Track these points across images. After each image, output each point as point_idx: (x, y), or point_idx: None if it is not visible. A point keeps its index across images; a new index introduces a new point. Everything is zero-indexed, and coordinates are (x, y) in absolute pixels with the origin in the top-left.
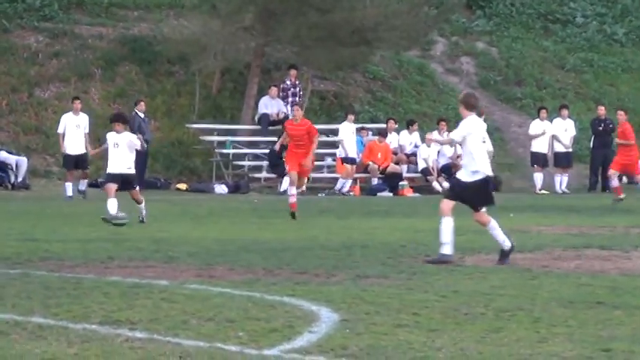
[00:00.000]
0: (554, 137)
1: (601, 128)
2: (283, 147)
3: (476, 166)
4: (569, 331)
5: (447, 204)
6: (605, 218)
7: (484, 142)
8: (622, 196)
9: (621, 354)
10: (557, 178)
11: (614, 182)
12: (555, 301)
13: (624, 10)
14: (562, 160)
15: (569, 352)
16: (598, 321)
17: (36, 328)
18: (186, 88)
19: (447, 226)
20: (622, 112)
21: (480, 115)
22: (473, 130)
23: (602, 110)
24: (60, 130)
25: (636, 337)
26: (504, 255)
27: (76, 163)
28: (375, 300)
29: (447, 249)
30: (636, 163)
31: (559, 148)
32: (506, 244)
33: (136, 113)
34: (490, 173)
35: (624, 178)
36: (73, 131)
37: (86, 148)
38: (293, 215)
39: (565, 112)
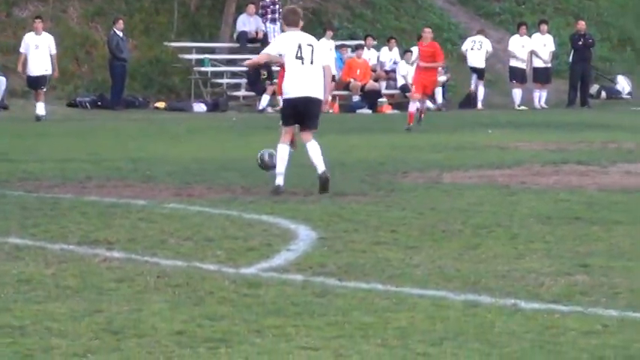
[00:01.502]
0: (532, 52)
1: (581, 43)
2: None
3: (285, 86)
4: (546, 247)
5: (286, 130)
6: (584, 133)
7: (473, 49)
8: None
9: (599, 269)
10: (536, 94)
11: (414, 107)
12: (533, 217)
13: None
14: (541, 76)
15: (546, 268)
16: (576, 237)
17: (13, 248)
18: (164, 6)
19: (281, 154)
20: (429, 30)
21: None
22: (282, 48)
23: (581, 25)
24: (22, 50)
25: (613, 253)
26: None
27: (37, 83)
28: (353, 217)
29: (279, 179)
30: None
31: (538, 63)
32: (320, 168)
33: (114, 32)
34: (303, 94)
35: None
36: (33, 52)
37: (53, 69)
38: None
39: (544, 27)
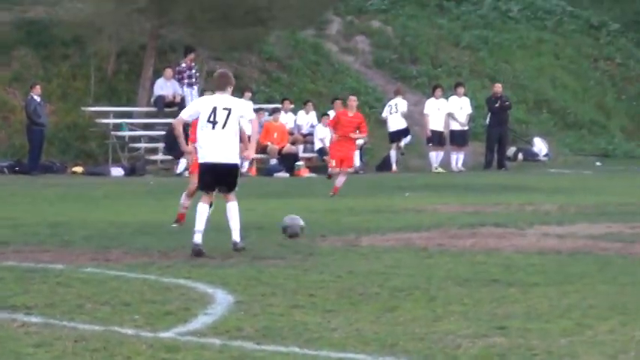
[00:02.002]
0: (450, 115)
1: (497, 105)
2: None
3: (199, 151)
4: (464, 310)
5: (204, 194)
6: (501, 196)
7: (392, 113)
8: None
9: (516, 331)
10: (453, 156)
11: (340, 181)
12: (451, 279)
13: None
14: (458, 138)
15: (464, 330)
16: (493, 299)
17: None
18: (81, 71)
19: (201, 211)
20: (354, 98)
21: (397, 93)
22: (194, 111)
23: (498, 87)
24: None
25: (531, 315)
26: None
27: None
28: (271, 281)
29: (197, 237)
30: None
31: (455, 126)
32: (234, 236)
33: (32, 97)
34: (214, 160)
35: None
36: None
37: None
38: None
39: (461, 90)
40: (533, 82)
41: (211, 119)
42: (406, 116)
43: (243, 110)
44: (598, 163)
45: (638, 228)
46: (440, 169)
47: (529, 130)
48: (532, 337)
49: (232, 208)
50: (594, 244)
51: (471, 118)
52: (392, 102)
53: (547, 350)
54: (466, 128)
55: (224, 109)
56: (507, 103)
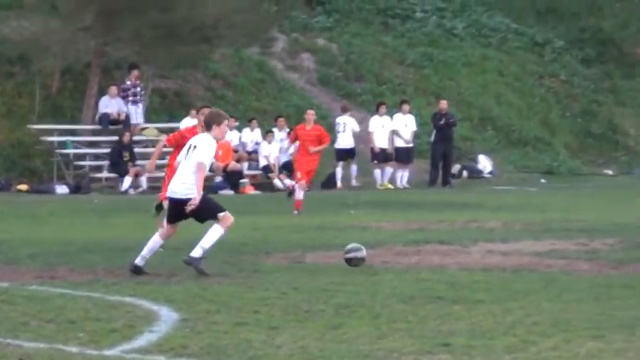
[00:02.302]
0: (394, 132)
1: (442, 122)
2: None
3: None
4: (409, 327)
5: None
6: (445, 213)
7: (340, 131)
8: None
9: (460, 348)
10: (398, 174)
11: (301, 194)
12: (395, 296)
13: (463, 4)
14: (402, 156)
15: (409, 347)
16: (437, 316)
17: None
18: (26, 88)
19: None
20: (312, 112)
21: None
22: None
23: (443, 104)
24: None
25: (475, 332)
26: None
27: None
28: (216, 299)
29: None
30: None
31: (400, 143)
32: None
33: None
34: (170, 195)
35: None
36: None
37: None
38: None
39: (406, 107)
40: (478, 99)
41: (182, 155)
42: (357, 135)
43: (200, 149)
44: (543, 180)
45: (582, 245)
46: (390, 185)
47: (474, 147)
48: (476, 354)
49: (213, 230)
50: (539, 261)
51: (416, 135)
52: (340, 119)
53: None
54: (411, 145)
55: (193, 146)
56: (452, 120)
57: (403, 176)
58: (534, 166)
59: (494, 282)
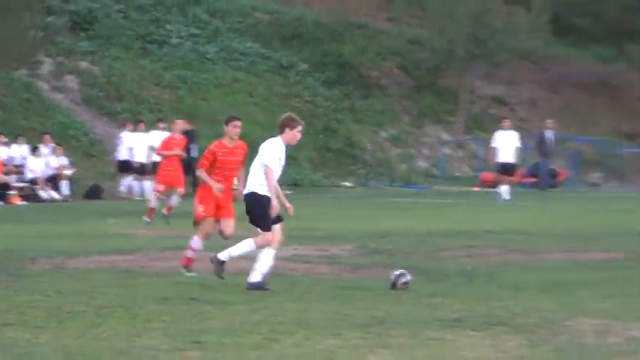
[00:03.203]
0: (150, 148)
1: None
2: None
3: None
4: (164, 326)
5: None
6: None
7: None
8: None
9: (212, 345)
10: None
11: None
12: (152, 298)
13: (216, 31)
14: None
15: (164, 344)
16: (191, 315)
17: None
18: None
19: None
20: (181, 122)
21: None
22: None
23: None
24: None
25: (226, 330)
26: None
27: None
28: None
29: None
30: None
31: (157, 158)
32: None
33: None
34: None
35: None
36: None
37: None
38: None
39: (161, 124)
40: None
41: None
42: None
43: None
44: (288, 192)
45: (323, 250)
46: (145, 197)
47: None
48: (226, 351)
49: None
50: (283, 265)
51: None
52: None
53: None
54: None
55: None
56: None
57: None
58: (280, 178)
59: (243, 284)
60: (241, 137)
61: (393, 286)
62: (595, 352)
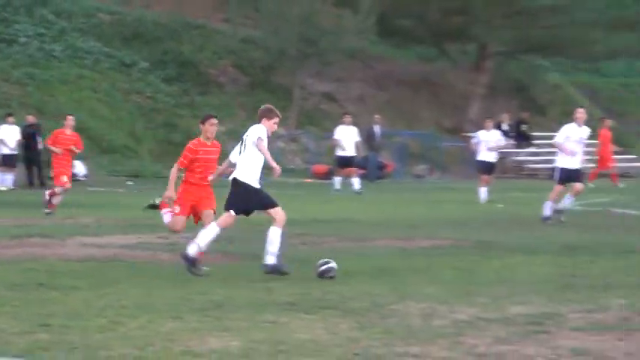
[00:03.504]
0: (1, 141)
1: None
2: None
3: None
4: (14, 310)
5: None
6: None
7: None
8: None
9: (58, 328)
10: (7, 176)
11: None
12: (2, 284)
13: (62, 31)
14: (7, 160)
15: (13, 328)
16: (39, 301)
17: None
18: None
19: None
20: (72, 117)
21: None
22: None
23: (31, 119)
24: None
25: (71, 314)
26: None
27: None
28: None
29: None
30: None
31: (5, 150)
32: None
33: None
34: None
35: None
36: None
37: None
38: None
39: (11, 119)
40: (74, 113)
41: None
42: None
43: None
44: (129, 182)
45: (164, 238)
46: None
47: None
48: (72, 333)
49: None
50: (127, 253)
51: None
52: None
53: (85, 344)
54: (15, 152)
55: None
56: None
57: (8, 179)
58: (123, 170)
59: (88, 271)
60: (86, 130)
61: (321, 275)
62: (421, 333)
